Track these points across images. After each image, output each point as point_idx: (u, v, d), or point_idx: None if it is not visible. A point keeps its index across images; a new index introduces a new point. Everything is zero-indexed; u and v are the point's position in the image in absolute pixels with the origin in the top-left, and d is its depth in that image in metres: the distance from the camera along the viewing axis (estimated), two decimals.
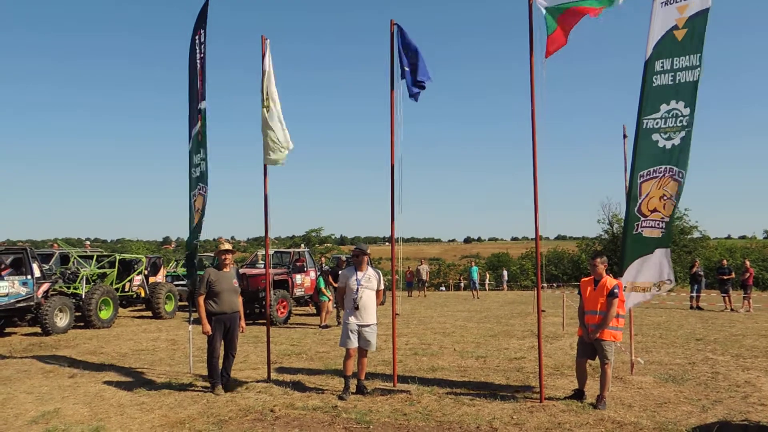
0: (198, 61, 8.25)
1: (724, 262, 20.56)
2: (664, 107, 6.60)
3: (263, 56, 7.71)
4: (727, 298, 18.27)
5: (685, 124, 6.47)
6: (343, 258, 15.84)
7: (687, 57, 6.47)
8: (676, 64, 6.53)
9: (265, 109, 7.57)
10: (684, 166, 6.45)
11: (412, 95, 7.23)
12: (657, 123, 6.64)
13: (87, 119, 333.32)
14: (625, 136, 8.37)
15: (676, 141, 6.52)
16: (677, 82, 6.54)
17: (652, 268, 6.70)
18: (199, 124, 8.16)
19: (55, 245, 20.15)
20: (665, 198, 6.54)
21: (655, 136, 6.65)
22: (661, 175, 6.60)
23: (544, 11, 6.50)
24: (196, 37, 8.31)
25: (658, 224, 6.61)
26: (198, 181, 8.08)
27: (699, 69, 6.40)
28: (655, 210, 6.61)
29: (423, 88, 7.23)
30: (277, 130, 7.57)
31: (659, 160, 6.61)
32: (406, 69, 7.19)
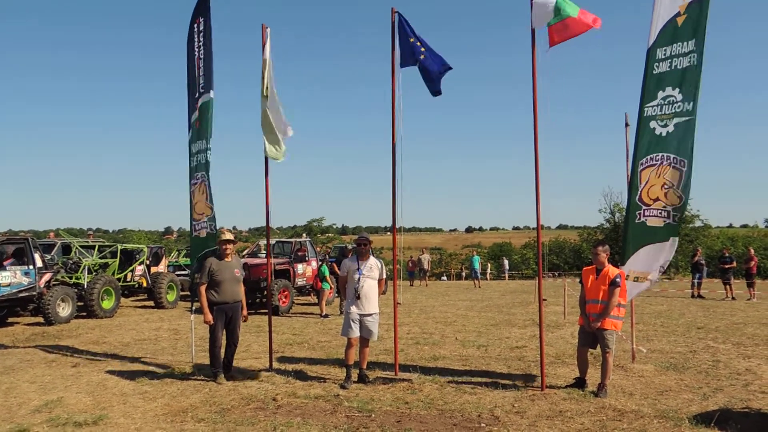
0: (196, 50, 8.18)
1: (726, 251, 20.57)
2: (660, 94, 6.56)
3: (263, 45, 7.66)
4: (728, 287, 18.27)
5: (679, 110, 6.39)
6: (348, 247, 15.88)
7: (683, 43, 6.40)
8: (674, 51, 6.46)
9: (264, 99, 7.53)
10: (685, 154, 6.37)
11: (436, 90, 7.18)
12: (654, 110, 6.60)
13: (89, 109, 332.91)
14: (626, 125, 8.33)
15: (671, 128, 6.44)
16: (672, 68, 6.48)
17: (654, 257, 6.67)
18: (197, 113, 8.11)
19: (52, 234, 20.17)
20: (666, 187, 6.48)
21: (653, 124, 6.60)
22: (658, 162, 6.54)
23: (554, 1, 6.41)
24: (195, 25, 8.24)
25: (661, 213, 6.56)
26: (196, 170, 8.06)
27: (695, 54, 6.32)
28: (657, 199, 6.56)
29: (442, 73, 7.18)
30: (276, 121, 7.53)
31: (655, 148, 6.57)
32: (421, 58, 7.10)
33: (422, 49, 7.09)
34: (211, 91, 7.91)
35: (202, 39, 8.07)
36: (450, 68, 7.12)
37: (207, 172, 7.81)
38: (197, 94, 8.14)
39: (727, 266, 18.72)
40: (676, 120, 6.41)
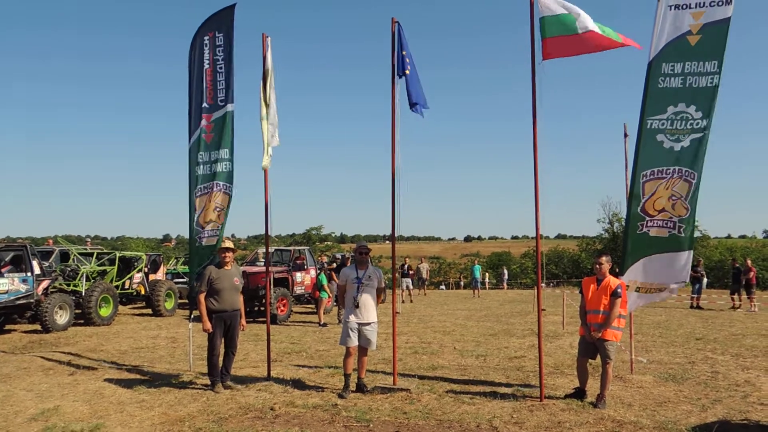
0: (206, 63, 8.16)
1: (735, 262, 20.86)
2: (671, 109, 6.60)
3: (264, 55, 7.69)
4: (735, 297, 18.53)
5: (696, 127, 6.48)
6: (348, 256, 15.90)
7: (701, 63, 6.48)
8: (688, 69, 6.53)
9: (266, 108, 7.56)
10: (697, 167, 6.46)
11: (414, 105, 7.23)
12: (663, 124, 6.64)
13: (87, 116, 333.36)
14: (625, 135, 8.36)
15: (686, 143, 6.53)
16: (687, 85, 6.54)
17: (665, 269, 6.67)
18: (212, 124, 8.08)
19: (50, 241, 20.13)
20: (674, 198, 6.53)
21: (660, 137, 6.64)
22: (669, 176, 6.59)
23: (543, 14, 6.48)
24: (206, 38, 8.21)
25: (667, 224, 6.59)
26: (210, 179, 8.04)
27: (716, 75, 6.41)
28: (663, 210, 6.60)
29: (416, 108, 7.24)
30: (269, 131, 7.57)
31: (666, 161, 6.61)
32: (406, 72, 7.17)
33: (407, 63, 7.20)
34: (231, 104, 7.92)
35: (221, 53, 8.07)
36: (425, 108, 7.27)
37: (229, 182, 7.87)
38: (205, 104, 8.11)
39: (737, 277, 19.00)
40: (692, 136, 6.50)
